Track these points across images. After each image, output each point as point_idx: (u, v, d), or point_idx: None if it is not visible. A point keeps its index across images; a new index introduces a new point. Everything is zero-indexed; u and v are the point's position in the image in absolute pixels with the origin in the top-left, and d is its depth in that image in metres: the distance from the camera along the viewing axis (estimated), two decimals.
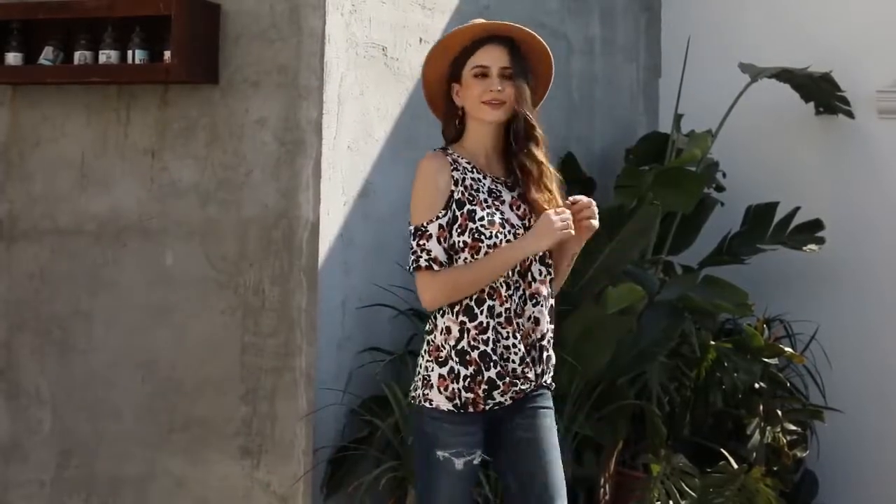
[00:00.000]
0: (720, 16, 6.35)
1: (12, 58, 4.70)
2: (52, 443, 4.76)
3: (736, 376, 5.31)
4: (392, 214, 4.75)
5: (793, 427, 5.49)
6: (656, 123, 6.44)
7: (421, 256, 3.35)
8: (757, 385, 5.45)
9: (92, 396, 4.71)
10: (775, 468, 5.38)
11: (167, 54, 4.45)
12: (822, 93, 5.94)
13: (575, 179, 5.76)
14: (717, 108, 5.82)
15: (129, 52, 4.55)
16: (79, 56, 4.62)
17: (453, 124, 3.49)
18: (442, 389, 3.39)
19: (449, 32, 3.51)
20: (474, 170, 3.42)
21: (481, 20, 3.52)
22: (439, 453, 3.39)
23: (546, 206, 3.40)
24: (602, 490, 5.03)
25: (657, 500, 4.78)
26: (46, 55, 4.67)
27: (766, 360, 5.45)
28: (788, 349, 5.58)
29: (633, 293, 4.79)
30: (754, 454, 5.31)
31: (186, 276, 4.59)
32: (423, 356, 3.45)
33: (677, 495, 4.81)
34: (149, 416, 4.63)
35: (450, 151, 3.46)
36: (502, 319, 3.37)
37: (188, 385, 4.58)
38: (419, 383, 3.43)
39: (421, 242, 3.35)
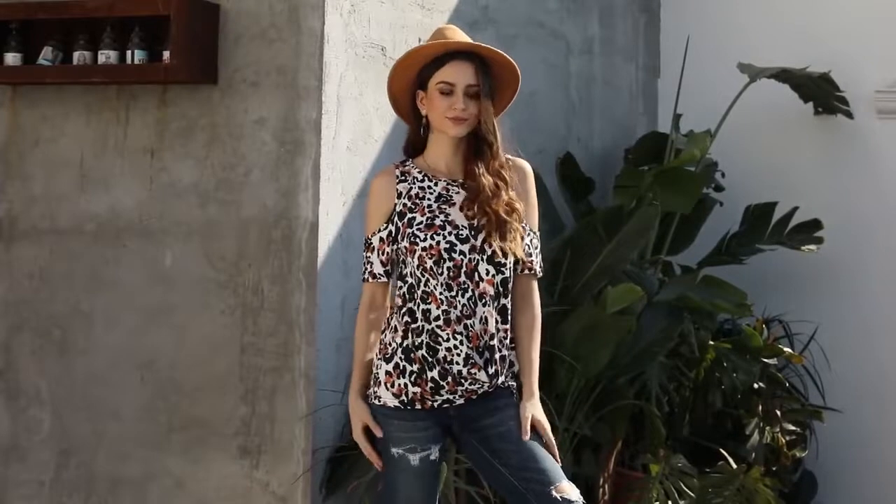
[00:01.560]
0: (719, 16, 6.35)
1: (12, 58, 4.71)
2: (51, 443, 4.77)
3: (735, 376, 5.31)
4: None
5: (792, 427, 5.49)
6: (655, 123, 6.44)
7: (365, 269, 3.55)
8: (756, 385, 5.45)
9: (91, 396, 4.72)
10: (774, 468, 5.39)
11: (166, 54, 4.46)
12: (821, 93, 5.94)
13: (574, 180, 5.77)
14: (716, 109, 5.82)
15: (129, 52, 4.55)
16: (78, 56, 4.62)
17: (419, 129, 3.54)
18: (389, 386, 3.44)
19: (412, 49, 3.51)
20: (425, 178, 3.50)
21: (446, 37, 3.48)
22: (393, 450, 3.45)
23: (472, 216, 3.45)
24: (601, 490, 5.04)
25: (656, 500, 4.78)
26: (46, 55, 4.67)
27: (765, 360, 5.45)
28: (787, 349, 5.59)
29: (632, 293, 4.79)
30: (753, 454, 5.32)
31: (186, 276, 4.59)
32: (375, 355, 3.53)
33: (676, 495, 4.81)
34: (148, 416, 4.63)
35: (405, 163, 3.55)
36: (441, 322, 3.41)
37: (188, 385, 4.58)
38: (371, 381, 3.51)
39: (367, 255, 3.54)
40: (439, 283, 3.40)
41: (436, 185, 3.49)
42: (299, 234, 4.45)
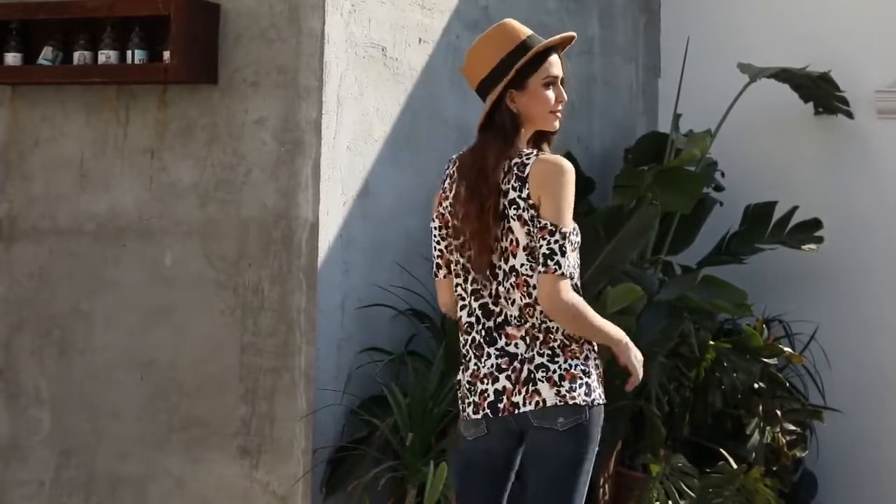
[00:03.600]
0: (719, 16, 6.34)
1: (12, 58, 4.71)
2: (51, 443, 4.76)
3: (735, 376, 5.31)
4: (391, 215, 4.76)
5: (792, 427, 5.49)
6: (655, 123, 6.44)
7: (569, 264, 3.27)
8: (756, 385, 5.45)
9: (91, 396, 4.71)
10: (774, 468, 5.39)
11: (166, 54, 4.46)
12: (821, 93, 5.94)
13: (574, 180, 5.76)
14: (716, 108, 5.82)
15: (129, 52, 4.55)
16: (78, 56, 4.62)
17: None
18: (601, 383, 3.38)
19: (539, 45, 3.36)
20: None
21: (523, 33, 3.37)
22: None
23: None
24: (601, 490, 5.03)
25: (656, 501, 4.78)
26: (46, 55, 4.67)
27: (765, 360, 5.45)
28: (787, 349, 5.58)
29: (632, 293, 4.79)
30: (753, 454, 5.31)
31: (186, 276, 4.59)
32: (567, 357, 3.31)
33: (676, 495, 4.81)
34: (148, 416, 4.63)
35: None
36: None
37: (188, 385, 4.58)
38: (593, 383, 3.33)
39: (568, 250, 3.28)
40: None
41: None
42: (299, 234, 4.45)
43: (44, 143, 4.82)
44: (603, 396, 3.36)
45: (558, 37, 3.39)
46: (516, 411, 3.27)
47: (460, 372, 3.39)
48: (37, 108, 4.82)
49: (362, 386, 4.59)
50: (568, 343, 3.32)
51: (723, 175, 6.01)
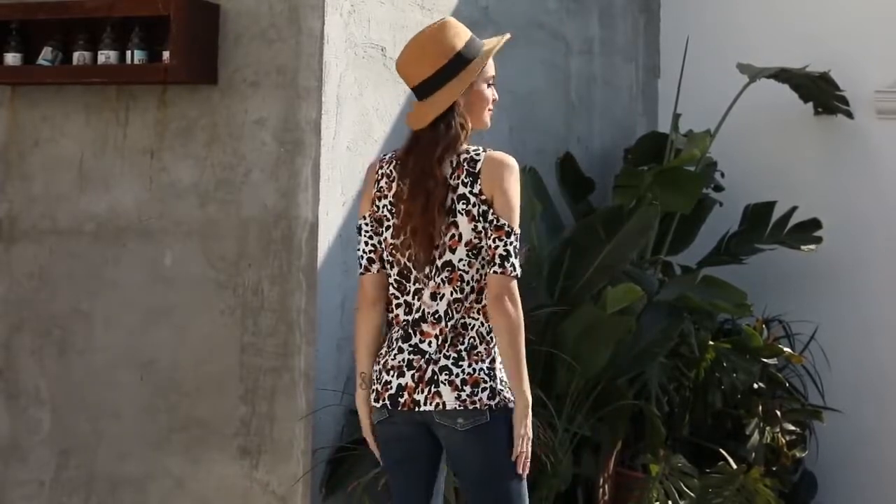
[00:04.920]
0: (719, 16, 6.35)
1: (11, 58, 4.71)
2: (51, 443, 4.77)
3: (735, 376, 5.32)
4: None
5: (792, 427, 5.49)
6: (655, 123, 6.44)
7: (517, 264, 3.34)
8: (756, 385, 5.45)
9: (91, 396, 4.72)
10: (774, 468, 5.39)
11: (166, 54, 4.46)
12: (820, 93, 5.94)
13: (574, 180, 5.77)
14: (715, 109, 5.82)
15: (129, 53, 4.55)
16: (78, 56, 4.62)
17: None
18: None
19: (486, 54, 3.42)
20: None
21: (476, 36, 3.45)
22: None
23: None
24: (601, 490, 5.04)
25: (656, 501, 4.78)
26: (45, 55, 4.67)
27: (764, 360, 5.45)
28: (787, 349, 5.59)
29: (631, 293, 4.79)
30: (753, 454, 5.32)
31: (186, 277, 4.59)
32: (473, 361, 3.36)
33: (676, 495, 4.82)
34: (148, 416, 4.63)
35: None
36: None
37: (187, 385, 4.59)
38: (497, 385, 3.35)
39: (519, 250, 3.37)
40: None
41: None
42: (299, 234, 4.45)
43: (44, 143, 4.82)
44: (511, 398, 3.37)
45: (503, 39, 3.46)
46: (416, 409, 3.36)
47: (377, 359, 3.45)
48: (37, 108, 4.82)
49: None
50: (477, 345, 3.37)
51: (723, 175, 6.01)
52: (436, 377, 3.34)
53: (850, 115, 5.98)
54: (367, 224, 3.44)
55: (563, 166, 5.74)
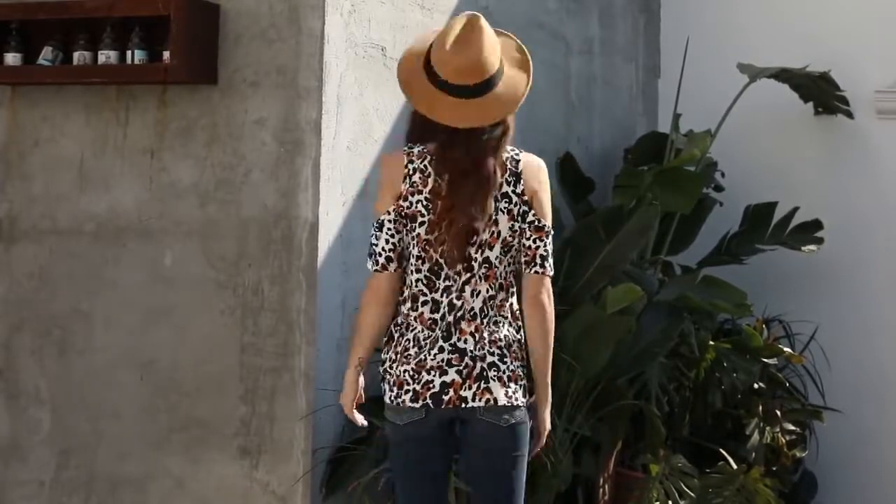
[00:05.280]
0: (719, 16, 6.35)
1: (11, 58, 4.71)
2: (51, 443, 4.77)
3: (735, 376, 5.31)
4: None
5: (792, 427, 5.49)
6: (655, 123, 6.44)
7: (552, 264, 3.46)
8: (756, 385, 5.45)
9: (91, 396, 4.72)
10: (774, 468, 5.39)
11: (166, 54, 4.46)
12: (821, 93, 5.94)
13: (574, 180, 5.77)
14: (715, 108, 5.82)
15: (129, 53, 4.55)
16: (78, 56, 4.62)
17: None
18: None
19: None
20: None
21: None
22: None
23: None
24: (601, 490, 5.04)
25: (656, 501, 4.78)
26: (46, 55, 4.67)
27: (765, 360, 5.45)
28: (787, 349, 5.59)
29: (631, 293, 4.79)
30: (753, 454, 5.32)
31: (186, 277, 4.59)
32: (512, 359, 3.42)
33: (676, 495, 4.81)
34: (148, 416, 4.63)
35: None
36: None
37: (187, 385, 4.58)
38: (525, 384, 3.45)
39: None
40: None
41: None
42: (299, 234, 4.45)
43: (44, 143, 4.82)
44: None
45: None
46: (463, 405, 3.36)
47: (396, 361, 3.44)
48: (37, 108, 4.82)
49: None
50: (511, 343, 3.42)
51: (723, 175, 6.02)
52: (485, 373, 3.36)
53: (850, 115, 5.98)
54: (391, 220, 3.38)
55: (563, 166, 5.75)
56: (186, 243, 4.60)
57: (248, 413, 4.49)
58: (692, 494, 4.85)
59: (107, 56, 4.57)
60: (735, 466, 5.08)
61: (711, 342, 5.36)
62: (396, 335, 3.46)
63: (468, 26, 3.31)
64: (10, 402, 4.84)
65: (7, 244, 4.85)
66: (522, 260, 3.40)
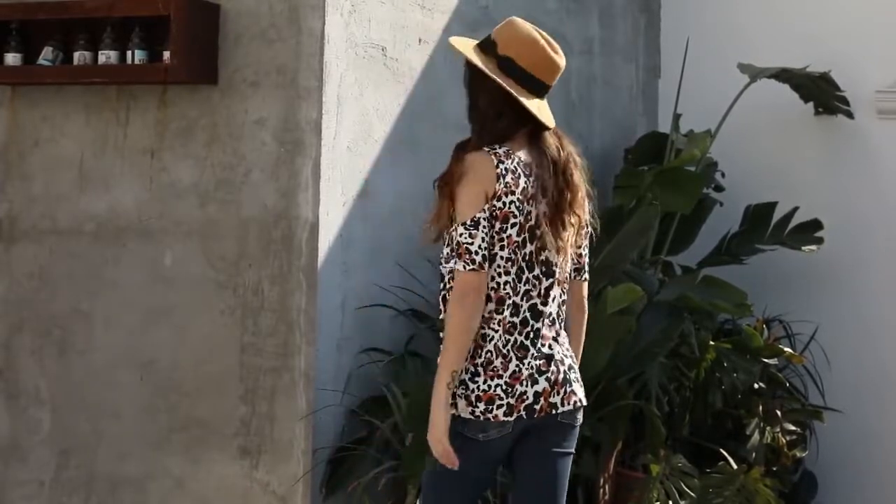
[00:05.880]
0: (719, 16, 6.35)
1: (12, 58, 4.71)
2: (51, 443, 4.77)
3: (735, 376, 5.31)
4: (391, 215, 4.76)
5: (792, 427, 5.49)
6: (655, 124, 6.44)
7: None
8: (756, 385, 5.45)
9: (91, 396, 4.72)
10: (774, 468, 5.39)
11: (166, 54, 4.46)
12: (821, 93, 5.94)
13: None
14: (716, 109, 5.82)
15: (129, 53, 4.55)
16: (78, 56, 4.62)
17: None
18: None
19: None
20: None
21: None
22: None
23: None
24: (601, 490, 5.03)
25: (656, 501, 4.78)
26: (46, 55, 4.67)
27: (765, 360, 5.45)
28: (787, 349, 5.59)
29: (632, 293, 4.79)
30: (753, 454, 5.31)
31: (186, 277, 4.59)
32: (574, 361, 3.48)
33: (676, 495, 4.81)
34: (148, 416, 4.63)
35: None
36: None
37: (188, 385, 4.58)
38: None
39: None
40: None
41: None
42: (299, 234, 4.45)
43: (44, 143, 4.82)
44: None
45: None
46: (553, 412, 3.35)
47: (477, 374, 3.31)
48: (37, 108, 4.82)
49: (362, 386, 4.59)
50: (569, 344, 3.49)
51: (723, 175, 6.01)
52: (567, 376, 3.38)
53: (850, 115, 5.98)
54: (486, 219, 3.27)
55: None
56: (186, 243, 4.60)
57: (248, 413, 4.49)
58: (692, 494, 4.84)
59: (107, 56, 4.57)
60: (735, 466, 5.07)
61: (712, 342, 5.35)
62: (472, 344, 3.31)
63: (532, 28, 3.46)
64: (10, 402, 4.84)
65: (7, 244, 4.85)
66: (572, 266, 3.47)
